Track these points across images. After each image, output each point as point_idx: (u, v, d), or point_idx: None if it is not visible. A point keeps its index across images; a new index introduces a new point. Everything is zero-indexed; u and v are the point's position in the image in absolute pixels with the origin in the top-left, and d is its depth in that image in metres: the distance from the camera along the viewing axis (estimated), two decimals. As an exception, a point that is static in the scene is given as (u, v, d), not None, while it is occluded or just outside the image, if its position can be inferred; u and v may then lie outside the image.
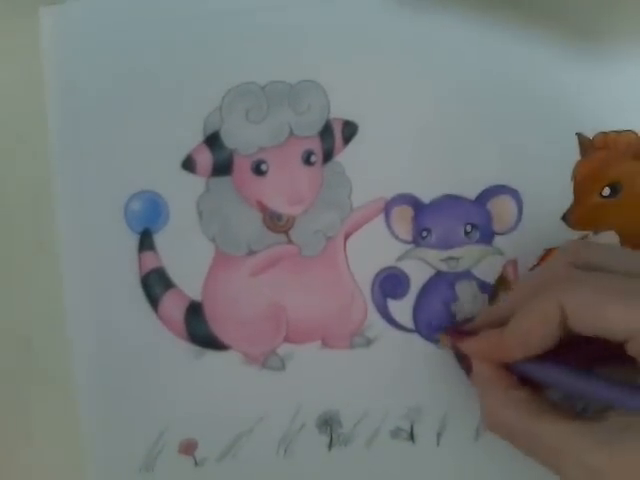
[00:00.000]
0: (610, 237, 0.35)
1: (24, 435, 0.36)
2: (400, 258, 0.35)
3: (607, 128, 0.35)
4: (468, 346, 0.32)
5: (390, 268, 0.35)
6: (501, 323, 0.30)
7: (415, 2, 0.34)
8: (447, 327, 0.34)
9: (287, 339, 0.36)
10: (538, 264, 0.34)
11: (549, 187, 0.35)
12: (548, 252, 0.34)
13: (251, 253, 0.35)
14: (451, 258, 0.35)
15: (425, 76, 0.34)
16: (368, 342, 0.35)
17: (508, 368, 0.30)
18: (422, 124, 0.35)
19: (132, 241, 0.35)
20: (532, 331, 0.29)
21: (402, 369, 0.35)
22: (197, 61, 0.35)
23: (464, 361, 0.33)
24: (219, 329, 0.36)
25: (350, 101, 0.34)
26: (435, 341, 0.35)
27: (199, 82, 0.35)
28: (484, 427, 0.31)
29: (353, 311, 0.35)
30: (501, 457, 0.35)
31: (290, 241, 0.35)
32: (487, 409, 0.30)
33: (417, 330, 0.35)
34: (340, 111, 0.35)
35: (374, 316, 0.36)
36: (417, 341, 0.36)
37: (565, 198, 0.35)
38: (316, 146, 0.34)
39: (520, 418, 0.29)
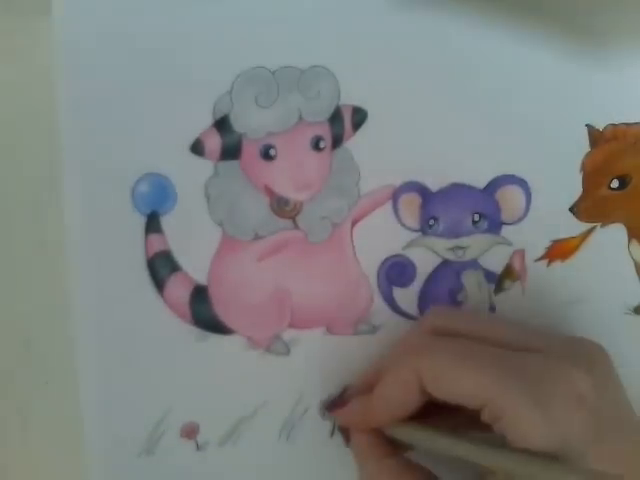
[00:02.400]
0: (618, 230, 0.36)
1: (22, 423, 0.37)
2: (407, 246, 0.37)
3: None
4: (341, 415, 0.34)
5: (396, 256, 0.37)
6: (371, 389, 0.33)
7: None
8: (328, 403, 0.37)
9: (292, 324, 0.38)
10: (545, 256, 0.36)
11: (558, 179, 0.37)
12: (555, 244, 0.36)
13: (258, 238, 0.37)
14: (458, 247, 0.36)
15: (435, 67, 0.36)
16: (373, 329, 0.37)
17: (383, 435, 0.32)
18: (432, 114, 0.37)
19: (139, 223, 0.36)
20: (393, 397, 0.31)
21: None
22: (207, 45, 0.36)
23: (343, 432, 0.36)
24: (224, 313, 0.38)
25: (360, 88, 0.36)
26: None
27: (209, 66, 0.37)
28: None
29: (358, 298, 0.37)
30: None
31: (297, 227, 0.37)
32: (363, 478, 0.33)
33: (422, 318, 0.36)
34: (350, 98, 0.36)
35: (379, 303, 0.38)
36: (422, 329, 0.37)
37: (574, 190, 0.36)
38: (325, 132, 0.36)
39: None
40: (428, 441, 0.31)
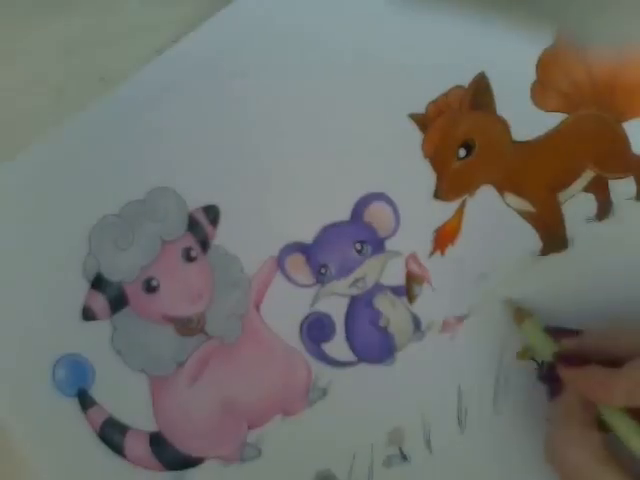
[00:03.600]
0: (487, 191, 0.37)
1: None
2: (313, 302, 0.39)
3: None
4: (570, 375, 0.34)
5: (309, 315, 0.39)
6: (602, 351, 0.33)
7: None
8: (563, 354, 0.35)
9: (250, 426, 0.39)
10: (435, 249, 0.37)
11: (409, 175, 0.39)
12: (437, 233, 0.37)
13: (180, 365, 0.38)
14: (357, 280, 0.38)
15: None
16: (323, 393, 0.38)
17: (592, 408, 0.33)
18: (273, 179, 0.39)
19: (73, 405, 0.39)
20: None
21: (365, 401, 0.38)
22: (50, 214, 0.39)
23: (554, 381, 0.36)
24: (186, 447, 0.40)
25: (202, 188, 0.39)
26: (381, 361, 0.37)
27: (62, 235, 0.38)
28: (545, 458, 0.34)
29: (296, 371, 0.39)
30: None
31: (209, 336, 0.38)
32: (560, 442, 0.32)
33: (360, 359, 0.38)
34: (197, 201, 0.39)
35: (317, 366, 0.40)
36: (366, 369, 0.40)
37: (428, 178, 0.39)
38: (190, 241, 0.38)
39: (588, 461, 0.31)
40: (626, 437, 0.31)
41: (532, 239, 0.40)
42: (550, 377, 0.37)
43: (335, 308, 0.40)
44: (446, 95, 0.39)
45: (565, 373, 0.34)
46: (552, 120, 0.39)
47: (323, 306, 0.40)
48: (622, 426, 0.32)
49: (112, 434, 0.39)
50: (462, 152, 0.39)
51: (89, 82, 0.40)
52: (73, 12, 0.40)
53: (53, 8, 0.40)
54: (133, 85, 0.39)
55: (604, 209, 0.40)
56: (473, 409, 0.40)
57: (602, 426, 0.33)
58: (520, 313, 0.39)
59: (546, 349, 0.36)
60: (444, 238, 0.40)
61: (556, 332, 0.37)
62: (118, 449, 0.39)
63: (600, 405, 0.33)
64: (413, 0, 0.39)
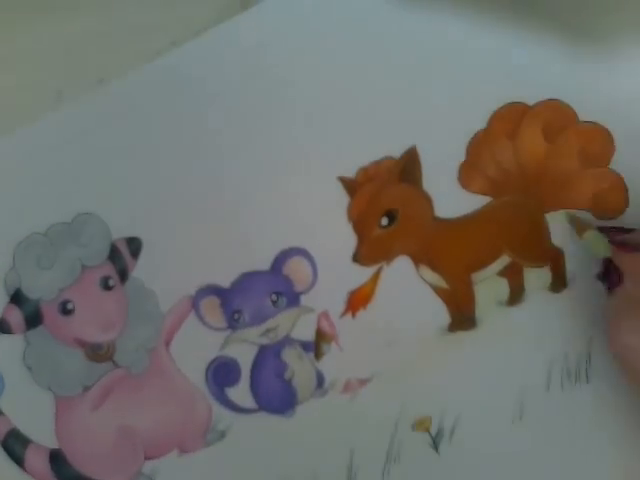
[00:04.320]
0: (403, 261, 0.38)
1: None
2: (223, 346, 0.40)
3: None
4: (629, 262, 0.35)
5: (216, 359, 0.40)
6: None
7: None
8: (614, 235, 0.37)
9: (147, 457, 0.40)
10: (347, 310, 0.38)
11: (331, 236, 0.40)
12: (351, 295, 0.38)
13: (86, 389, 0.40)
14: (268, 330, 0.39)
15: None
16: (221, 435, 0.39)
17: None
18: (199, 221, 0.40)
19: None
20: None
21: (261, 448, 0.39)
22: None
23: (612, 274, 0.37)
24: (84, 468, 0.42)
25: (127, 219, 0.40)
26: (281, 412, 0.38)
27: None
28: (609, 346, 0.34)
29: (197, 410, 0.40)
30: None
31: (117, 365, 0.39)
32: (623, 329, 0.33)
33: (261, 408, 0.39)
34: (121, 231, 0.40)
35: (218, 408, 0.41)
36: (265, 418, 0.41)
37: (349, 241, 0.39)
38: (110, 270, 0.39)
39: None
40: None
41: (442, 314, 0.41)
42: (608, 272, 0.38)
43: (243, 355, 0.41)
44: (377, 164, 0.40)
45: (623, 259, 0.35)
46: (476, 201, 0.40)
47: (232, 351, 0.41)
48: None
49: (14, 445, 0.40)
50: (384, 220, 0.40)
51: (88, 83, 0.41)
52: (72, 13, 0.41)
53: (52, 9, 0.41)
54: (68, 110, 0.40)
55: (516, 295, 0.40)
56: (363, 473, 0.40)
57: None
58: (581, 224, 0.39)
59: (605, 248, 0.38)
60: (357, 301, 0.40)
61: (611, 230, 0.38)
62: (19, 461, 0.40)
63: None
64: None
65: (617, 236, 0.37)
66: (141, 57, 0.41)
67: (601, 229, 0.38)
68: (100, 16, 0.41)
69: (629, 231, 0.37)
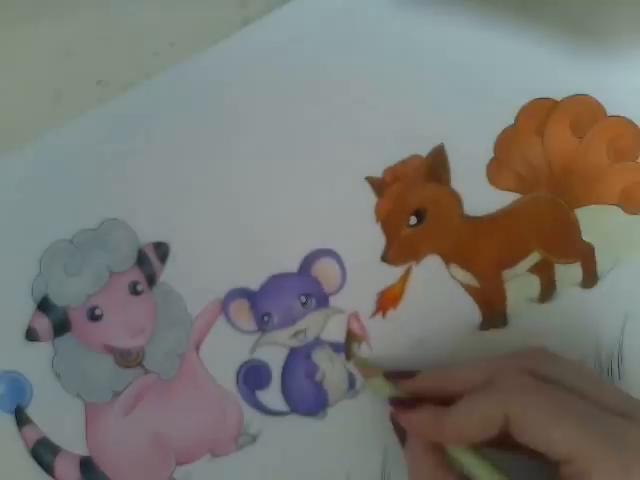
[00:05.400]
0: (433, 260, 0.39)
1: None
2: (253, 349, 0.40)
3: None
4: (405, 419, 0.36)
5: (247, 362, 0.40)
6: (440, 390, 0.35)
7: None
8: (396, 401, 0.37)
9: (179, 462, 0.40)
10: (377, 310, 0.38)
11: (360, 236, 0.40)
12: (381, 296, 0.38)
13: (116, 395, 0.40)
14: (298, 332, 0.40)
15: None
16: (253, 439, 0.40)
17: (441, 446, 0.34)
18: (227, 224, 0.41)
19: (9, 421, 0.41)
20: (470, 426, 0.32)
21: (293, 451, 0.40)
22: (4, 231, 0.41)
23: (399, 430, 0.38)
24: (115, 474, 0.42)
25: (154, 224, 0.41)
26: (313, 414, 0.39)
27: (14, 255, 0.40)
28: None
29: (228, 414, 0.41)
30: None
31: (147, 371, 0.40)
32: None
33: (293, 410, 0.40)
34: (148, 236, 0.41)
35: (250, 412, 0.41)
36: (297, 420, 0.42)
37: (378, 241, 0.40)
38: (138, 275, 0.39)
39: None
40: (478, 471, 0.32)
41: (472, 312, 0.41)
42: (395, 425, 0.38)
43: (273, 357, 0.41)
44: (404, 163, 0.40)
45: (401, 417, 0.36)
46: (505, 198, 0.41)
47: (262, 354, 0.41)
48: (468, 462, 0.32)
49: (44, 454, 0.41)
50: (413, 220, 0.40)
51: (87, 85, 0.41)
52: (71, 15, 0.41)
53: (51, 11, 0.41)
54: (96, 116, 0.41)
55: (547, 292, 0.41)
56: (396, 473, 0.41)
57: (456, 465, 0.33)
58: (367, 370, 0.40)
59: (387, 393, 0.38)
60: (387, 301, 0.41)
61: (396, 376, 0.38)
62: (48, 469, 0.41)
63: (446, 445, 0.33)
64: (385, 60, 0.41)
65: (403, 382, 0.37)
66: (140, 58, 0.41)
67: (387, 375, 0.39)
68: (99, 17, 0.41)
69: (412, 375, 0.37)
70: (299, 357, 0.41)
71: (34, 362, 0.41)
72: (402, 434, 0.37)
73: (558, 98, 0.41)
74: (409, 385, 0.37)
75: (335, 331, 0.41)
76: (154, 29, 0.41)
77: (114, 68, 0.41)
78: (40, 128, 0.40)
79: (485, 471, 0.32)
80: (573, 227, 0.41)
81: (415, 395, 0.36)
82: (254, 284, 0.41)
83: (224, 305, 0.41)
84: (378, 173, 0.40)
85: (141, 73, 0.41)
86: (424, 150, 0.40)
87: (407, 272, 0.41)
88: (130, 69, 0.41)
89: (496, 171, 0.40)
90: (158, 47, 0.41)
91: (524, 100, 0.40)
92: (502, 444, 0.32)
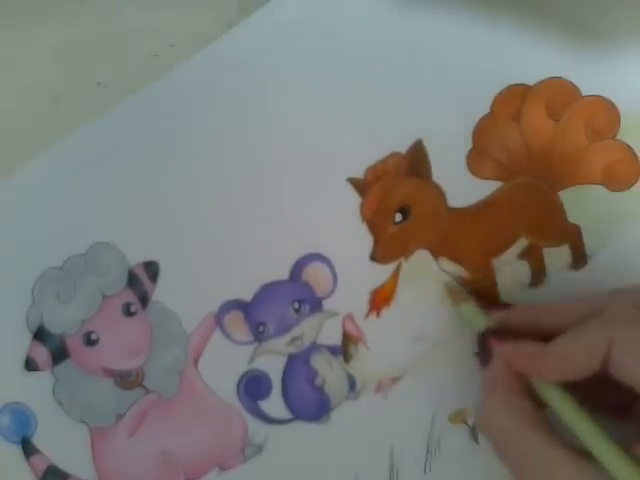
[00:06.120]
0: (422, 255, 0.39)
1: None
2: (251, 360, 0.40)
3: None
4: (501, 348, 0.35)
5: (246, 373, 0.41)
6: (536, 323, 0.34)
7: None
8: (494, 328, 0.37)
9: (187, 478, 0.41)
10: (371, 310, 0.39)
11: (347, 237, 0.40)
12: (373, 295, 0.39)
13: (120, 417, 0.40)
14: (294, 339, 0.40)
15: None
16: (259, 449, 0.40)
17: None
18: (214, 237, 0.41)
19: (16, 452, 0.41)
20: (571, 359, 0.31)
21: (300, 458, 0.41)
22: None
23: (484, 351, 0.37)
24: None
25: (142, 244, 0.41)
26: (316, 419, 0.39)
27: (6, 286, 0.41)
28: (478, 426, 0.36)
29: (232, 427, 0.41)
30: None
31: (148, 390, 0.40)
32: (488, 408, 0.33)
33: (296, 417, 0.40)
34: (137, 256, 0.41)
35: (253, 422, 0.42)
36: (301, 427, 0.42)
37: (366, 241, 0.40)
38: (130, 297, 0.40)
39: (518, 428, 0.31)
40: (564, 412, 0.32)
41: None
42: (482, 348, 0.37)
43: (272, 366, 0.41)
44: (384, 161, 0.40)
45: (496, 346, 0.35)
46: (487, 187, 0.41)
47: (260, 364, 0.41)
48: (555, 400, 0.32)
49: (54, 481, 0.42)
50: (398, 217, 0.40)
51: (86, 87, 0.42)
52: (71, 17, 0.42)
53: (50, 12, 0.41)
54: (77, 140, 0.41)
55: (538, 277, 0.41)
56: (404, 470, 0.41)
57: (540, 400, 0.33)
58: (458, 295, 0.40)
59: (480, 322, 0.38)
60: (380, 300, 0.41)
61: (489, 306, 0.39)
62: (59, 497, 0.42)
63: (534, 380, 0.33)
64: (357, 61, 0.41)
65: (495, 312, 0.38)
66: (140, 60, 0.41)
67: (481, 305, 0.39)
68: (99, 19, 0.42)
69: (506, 307, 0.38)
70: (298, 363, 0.41)
71: (35, 392, 0.41)
72: (486, 357, 0.36)
73: (532, 83, 0.41)
74: (503, 316, 0.37)
75: (331, 334, 0.42)
76: (153, 31, 0.42)
77: (114, 70, 0.42)
78: (40, 129, 0.41)
79: (572, 408, 0.31)
80: (557, 209, 0.41)
81: (507, 328, 0.36)
82: (246, 295, 0.41)
83: (218, 318, 0.41)
84: (360, 174, 0.40)
85: (141, 75, 0.41)
86: (403, 146, 0.41)
87: (397, 269, 0.41)
88: (130, 71, 0.41)
89: (476, 161, 0.41)
90: (157, 48, 0.42)
91: (498, 87, 0.41)
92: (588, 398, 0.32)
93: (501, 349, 0.35)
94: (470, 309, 0.39)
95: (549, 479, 0.30)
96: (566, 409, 0.32)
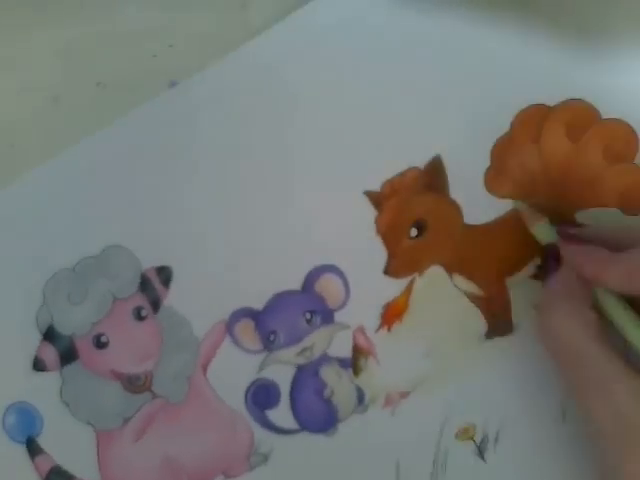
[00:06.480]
0: (436, 271, 0.39)
1: None
2: (260, 368, 0.40)
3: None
4: (572, 251, 0.35)
5: (255, 382, 0.41)
6: (611, 242, 0.34)
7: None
8: (564, 228, 0.37)
9: None
10: (382, 324, 0.39)
11: (361, 251, 0.41)
12: (385, 309, 0.39)
13: (126, 421, 0.40)
14: (305, 349, 0.40)
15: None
16: (265, 458, 0.40)
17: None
18: (228, 244, 0.42)
19: (21, 452, 0.41)
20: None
21: (305, 469, 0.41)
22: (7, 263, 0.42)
23: (551, 260, 0.38)
24: None
25: (156, 248, 0.41)
26: (323, 431, 0.39)
27: (17, 286, 0.41)
28: (538, 334, 0.35)
29: (239, 435, 0.41)
30: None
31: (156, 395, 0.40)
32: (550, 315, 0.33)
33: (303, 428, 0.40)
34: (150, 260, 0.41)
35: (260, 431, 0.42)
36: (308, 438, 0.42)
37: (379, 254, 0.40)
38: (142, 300, 0.40)
39: (580, 336, 0.31)
40: (624, 325, 0.32)
41: (478, 321, 0.42)
42: (547, 258, 0.38)
43: (281, 376, 0.41)
44: (402, 175, 0.40)
45: (566, 249, 0.35)
46: (504, 206, 0.41)
47: (269, 373, 0.41)
48: (617, 312, 0.32)
49: (58, 482, 0.42)
50: (414, 231, 0.40)
51: (86, 87, 0.42)
52: (71, 17, 0.42)
53: (51, 13, 0.42)
54: (93, 142, 0.41)
55: (551, 297, 0.41)
56: (410, 482, 0.42)
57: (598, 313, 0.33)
58: (532, 216, 0.40)
59: (550, 233, 0.38)
60: (392, 314, 0.41)
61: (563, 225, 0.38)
62: (63, 498, 0.42)
63: (597, 291, 0.33)
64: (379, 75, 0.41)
65: (567, 228, 0.38)
66: (139, 60, 0.42)
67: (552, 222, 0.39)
68: (98, 19, 0.42)
69: (580, 226, 0.38)
70: (307, 374, 0.42)
71: (43, 392, 0.41)
72: (554, 265, 0.36)
73: (552, 104, 0.41)
74: (579, 232, 0.37)
75: (341, 347, 0.42)
76: (153, 31, 0.42)
77: (113, 70, 0.42)
78: (40, 129, 0.41)
79: (633, 323, 0.32)
80: (573, 230, 0.41)
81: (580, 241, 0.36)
82: (258, 303, 0.41)
83: (229, 326, 0.41)
84: (376, 187, 0.41)
85: (140, 75, 0.41)
86: (421, 162, 0.41)
87: (410, 284, 0.41)
88: (129, 71, 0.42)
89: (493, 179, 0.41)
90: (157, 49, 0.42)
91: (518, 107, 0.41)
92: None
93: (572, 251, 0.35)
94: (544, 227, 0.39)
95: (603, 391, 0.30)
96: (627, 322, 0.32)
